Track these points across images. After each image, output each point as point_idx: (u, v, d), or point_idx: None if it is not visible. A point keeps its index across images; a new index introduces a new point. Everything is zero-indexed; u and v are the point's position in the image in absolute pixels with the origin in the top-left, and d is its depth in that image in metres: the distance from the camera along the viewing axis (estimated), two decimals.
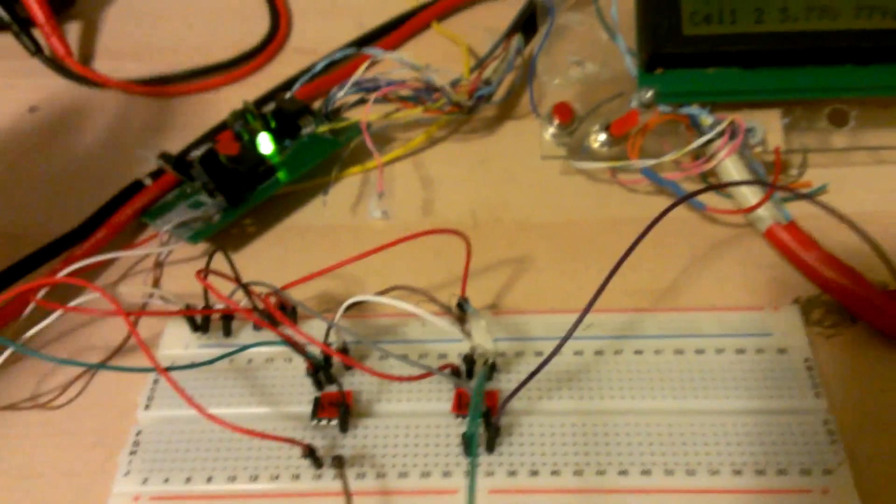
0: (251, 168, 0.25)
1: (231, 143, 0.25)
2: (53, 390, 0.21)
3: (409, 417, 0.19)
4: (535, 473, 0.18)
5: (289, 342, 0.19)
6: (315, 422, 0.19)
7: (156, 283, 0.24)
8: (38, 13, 0.31)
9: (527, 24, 0.29)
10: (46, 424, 0.20)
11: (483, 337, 0.20)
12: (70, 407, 0.21)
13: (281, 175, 0.25)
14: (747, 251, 0.23)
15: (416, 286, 0.21)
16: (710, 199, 0.24)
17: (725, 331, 0.21)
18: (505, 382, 0.20)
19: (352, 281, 0.23)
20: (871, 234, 0.20)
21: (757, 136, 0.24)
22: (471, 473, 0.16)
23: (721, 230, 0.24)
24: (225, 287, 0.20)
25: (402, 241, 0.20)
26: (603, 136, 0.25)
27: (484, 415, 0.18)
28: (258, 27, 0.33)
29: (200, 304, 0.21)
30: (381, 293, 0.19)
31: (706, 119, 0.23)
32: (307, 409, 0.19)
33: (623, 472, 0.18)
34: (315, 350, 0.19)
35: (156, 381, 0.20)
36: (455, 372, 0.20)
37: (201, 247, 0.25)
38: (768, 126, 0.24)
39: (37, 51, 0.31)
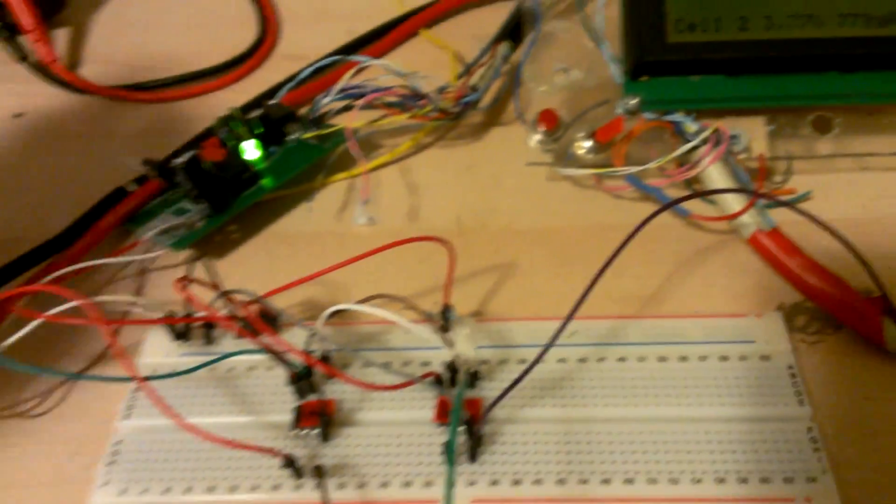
0: (236, 174, 0.25)
1: (216, 149, 0.25)
2: (33, 399, 0.21)
3: (392, 426, 0.19)
4: (517, 482, 0.18)
5: (269, 351, 0.19)
6: (296, 431, 0.19)
7: (139, 291, 0.24)
8: (25, 19, 0.31)
9: (514, 32, 0.29)
10: (25, 433, 0.20)
11: (465, 345, 0.19)
12: (49, 416, 0.21)
13: (266, 181, 0.25)
14: (731, 258, 0.23)
15: (401, 293, 0.21)
16: (694, 206, 0.24)
17: (709, 338, 0.21)
18: (488, 390, 0.20)
19: (337, 288, 0.23)
20: (853, 241, 0.20)
21: (741, 143, 0.24)
22: (447, 483, 0.16)
23: (705, 237, 0.24)
24: (209, 294, 0.20)
25: (385, 248, 0.20)
26: (588, 143, 0.25)
27: (467, 423, 0.18)
28: (247, 34, 0.33)
29: (183, 311, 0.21)
30: (363, 301, 0.19)
31: (691, 126, 0.24)
32: (289, 417, 0.19)
33: (606, 481, 0.18)
34: (296, 359, 0.19)
35: (136, 391, 0.20)
36: (437, 380, 0.20)
37: (186, 253, 0.24)
38: (753, 133, 0.24)
39: (23, 57, 0.31)
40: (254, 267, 0.24)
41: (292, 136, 0.27)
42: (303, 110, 0.28)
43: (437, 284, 0.23)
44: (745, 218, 0.23)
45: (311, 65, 0.29)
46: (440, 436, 0.19)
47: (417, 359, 0.20)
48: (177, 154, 0.27)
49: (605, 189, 0.25)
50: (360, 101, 0.26)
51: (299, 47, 0.32)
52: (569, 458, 0.18)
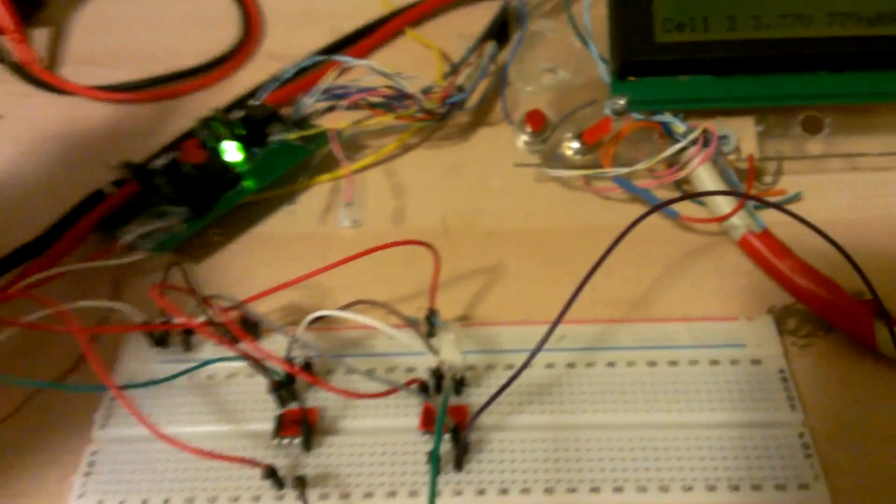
0: (217, 176, 0.24)
1: (196, 150, 0.24)
2: (6, 408, 0.20)
3: (375, 435, 0.19)
4: (504, 492, 0.18)
5: (249, 359, 0.18)
6: (278, 440, 0.19)
7: (118, 296, 0.23)
8: (4, 20, 0.30)
9: (500, 31, 0.28)
10: None
11: (451, 351, 0.19)
12: (24, 425, 0.20)
13: (248, 183, 0.25)
14: (721, 260, 0.23)
15: (386, 297, 0.20)
16: (683, 208, 0.24)
17: (699, 342, 0.20)
18: (475, 397, 0.19)
19: (320, 291, 0.23)
20: (844, 243, 0.19)
21: (730, 143, 0.23)
22: (430, 492, 0.15)
23: (695, 238, 0.24)
24: (189, 300, 0.19)
25: (369, 252, 0.20)
26: (576, 144, 0.24)
27: (452, 431, 0.18)
28: (230, 33, 0.32)
29: (163, 317, 0.20)
30: (345, 307, 0.19)
31: (679, 127, 0.23)
32: (270, 426, 0.19)
33: (595, 490, 0.18)
34: (277, 366, 0.19)
35: (112, 399, 0.20)
36: (423, 387, 0.19)
37: (166, 257, 0.24)
38: (742, 134, 0.24)
39: (1, 58, 0.30)
40: (236, 270, 0.24)
41: (275, 138, 0.26)
42: (286, 111, 0.27)
43: (423, 288, 0.22)
44: (735, 219, 0.22)
45: (293, 65, 0.28)
46: (426, 444, 0.19)
47: (402, 365, 0.20)
48: (157, 156, 0.26)
49: (594, 190, 0.25)
50: (345, 102, 0.25)
51: (283, 47, 0.32)
52: (557, 465, 0.18)
